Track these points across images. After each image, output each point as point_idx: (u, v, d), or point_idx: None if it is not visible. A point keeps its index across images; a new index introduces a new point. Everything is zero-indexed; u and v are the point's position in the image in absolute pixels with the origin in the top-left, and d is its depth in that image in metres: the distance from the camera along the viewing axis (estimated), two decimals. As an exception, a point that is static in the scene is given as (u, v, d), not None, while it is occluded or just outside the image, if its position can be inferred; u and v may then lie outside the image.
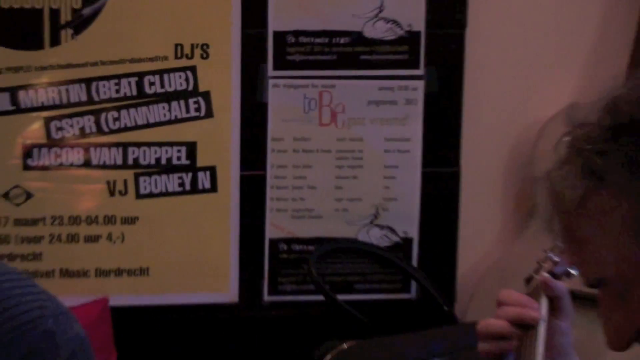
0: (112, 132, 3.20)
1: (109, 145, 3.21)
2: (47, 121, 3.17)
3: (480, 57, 3.36)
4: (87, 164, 3.21)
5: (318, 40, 3.25)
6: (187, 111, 3.22)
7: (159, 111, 3.20)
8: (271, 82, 3.25)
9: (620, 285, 1.47)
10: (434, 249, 3.42)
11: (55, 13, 3.10)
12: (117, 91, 3.18)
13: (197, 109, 3.22)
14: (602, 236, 1.47)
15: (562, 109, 1.63)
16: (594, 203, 1.45)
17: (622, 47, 3.35)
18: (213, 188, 3.26)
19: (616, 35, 3.43)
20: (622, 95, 1.48)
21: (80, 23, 3.13)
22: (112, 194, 3.22)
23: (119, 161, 3.21)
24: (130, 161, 3.22)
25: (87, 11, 3.12)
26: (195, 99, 3.22)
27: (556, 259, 1.98)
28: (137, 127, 3.22)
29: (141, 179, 3.22)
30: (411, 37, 3.27)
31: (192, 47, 3.19)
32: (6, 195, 3.15)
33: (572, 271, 1.91)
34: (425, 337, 3.12)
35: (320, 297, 3.29)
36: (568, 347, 1.97)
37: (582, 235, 1.48)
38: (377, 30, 3.24)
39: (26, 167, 3.16)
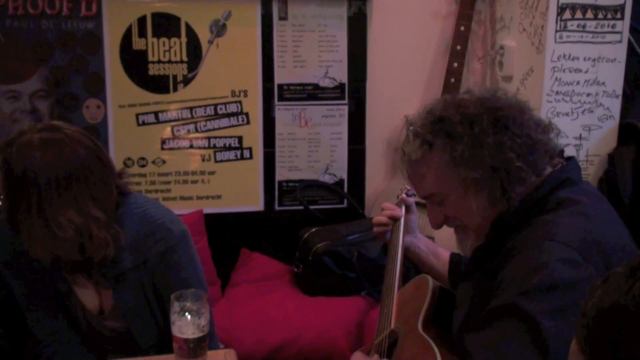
0: (203, 132, 3.37)
1: (202, 138, 3.38)
2: (172, 127, 3.35)
3: (373, 93, 3.49)
4: (191, 147, 3.38)
5: (298, 87, 3.41)
6: (238, 121, 3.39)
7: (225, 121, 3.38)
8: (277, 107, 3.41)
9: (438, 197, 1.66)
10: (354, 183, 3.57)
11: (175, 76, 3.30)
12: (205, 112, 3.35)
13: (243, 120, 3.39)
14: (431, 173, 1.63)
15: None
16: (427, 158, 1.62)
17: (438, 85, 3.47)
18: (251, 157, 3.42)
19: (436, 80, 3.51)
20: (435, 105, 1.65)
21: (186, 81, 3.32)
22: (203, 160, 3.40)
23: (207, 145, 3.39)
24: (212, 145, 3.39)
25: (189, 76, 3.30)
26: (242, 116, 3.38)
27: (409, 187, 2.20)
28: (215, 129, 3.38)
29: (217, 153, 3.40)
30: (341, 85, 3.44)
31: (240, 91, 3.36)
32: (154, 162, 3.35)
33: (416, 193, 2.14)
34: (351, 225, 3.34)
35: (302, 207, 3.50)
36: (415, 227, 2.16)
37: (421, 173, 1.65)
38: (326, 82, 3.43)
39: (162, 149, 3.36)
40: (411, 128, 1.68)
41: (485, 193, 1.58)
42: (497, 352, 1.39)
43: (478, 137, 1.55)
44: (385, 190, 3.52)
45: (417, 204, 2.20)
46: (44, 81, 3.23)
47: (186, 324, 1.67)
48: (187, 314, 1.67)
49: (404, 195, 2.20)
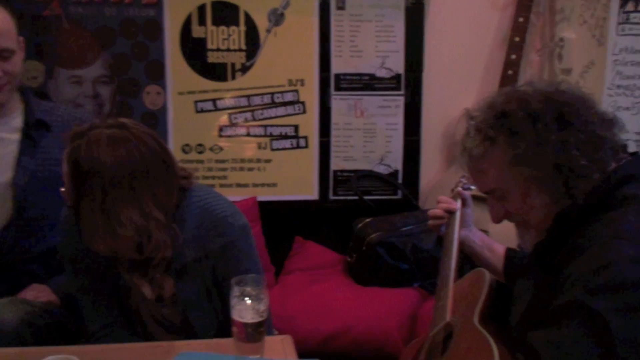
0: (259, 120, 3.40)
1: (258, 126, 3.40)
2: (230, 115, 3.38)
3: (430, 84, 3.46)
4: (248, 134, 3.41)
5: (354, 77, 3.41)
6: (294, 110, 3.40)
7: (281, 110, 3.41)
8: (333, 97, 3.41)
9: (500, 192, 1.64)
10: (409, 174, 3.54)
11: (233, 65, 3.33)
12: (262, 100, 3.38)
13: (299, 109, 3.40)
14: (492, 169, 1.62)
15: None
16: (489, 154, 1.61)
17: (495, 77, 3.42)
18: (307, 146, 3.44)
19: (494, 71, 3.46)
20: (496, 99, 1.63)
21: (244, 69, 3.35)
22: (259, 148, 3.42)
23: (263, 133, 3.41)
24: (268, 133, 3.41)
25: (247, 64, 3.32)
26: (298, 105, 3.40)
27: (464, 180, 2.19)
28: (271, 118, 3.40)
29: (273, 141, 3.42)
30: (397, 76, 3.43)
31: (297, 81, 3.38)
32: (211, 149, 3.39)
33: (472, 187, 2.11)
34: (405, 216, 3.31)
35: (356, 197, 3.49)
36: (470, 221, 2.15)
37: (482, 169, 1.64)
38: (382, 73, 3.42)
39: (220, 136, 3.39)
40: (472, 122, 1.66)
41: (548, 190, 1.57)
42: (563, 350, 1.38)
43: (542, 135, 1.53)
44: (440, 183, 3.50)
45: (472, 197, 2.19)
46: (106, 67, 3.29)
47: (246, 309, 1.68)
48: (246, 298, 1.69)
49: (460, 189, 2.18)
